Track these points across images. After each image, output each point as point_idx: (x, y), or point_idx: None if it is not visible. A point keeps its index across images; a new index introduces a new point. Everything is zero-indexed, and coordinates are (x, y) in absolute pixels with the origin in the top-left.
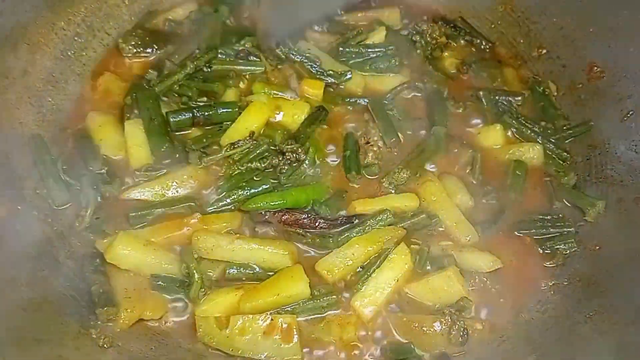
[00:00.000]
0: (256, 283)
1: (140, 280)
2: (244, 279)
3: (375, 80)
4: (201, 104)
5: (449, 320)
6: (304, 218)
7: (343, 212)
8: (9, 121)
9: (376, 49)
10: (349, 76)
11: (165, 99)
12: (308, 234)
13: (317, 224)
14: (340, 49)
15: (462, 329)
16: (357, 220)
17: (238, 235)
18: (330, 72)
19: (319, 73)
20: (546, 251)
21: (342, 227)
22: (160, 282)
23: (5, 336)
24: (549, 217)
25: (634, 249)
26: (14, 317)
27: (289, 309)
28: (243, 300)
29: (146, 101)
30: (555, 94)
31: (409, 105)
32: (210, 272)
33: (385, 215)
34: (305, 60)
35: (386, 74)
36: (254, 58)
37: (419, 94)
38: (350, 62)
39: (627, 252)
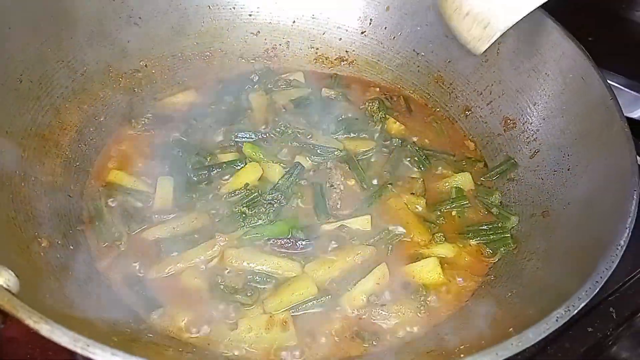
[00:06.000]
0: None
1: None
2: (263, 286)
3: (350, 143)
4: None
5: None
6: (286, 243)
7: (317, 234)
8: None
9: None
10: (335, 153)
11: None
12: (293, 255)
13: (297, 245)
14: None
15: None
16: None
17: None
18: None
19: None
20: (488, 251)
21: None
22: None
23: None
24: (485, 227)
25: (541, 249)
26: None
27: (301, 306)
28: (267, 301)
29: (176, 163)
30: (473, 149)
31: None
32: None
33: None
34: (299, 136)
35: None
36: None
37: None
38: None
39: (535, 251)
